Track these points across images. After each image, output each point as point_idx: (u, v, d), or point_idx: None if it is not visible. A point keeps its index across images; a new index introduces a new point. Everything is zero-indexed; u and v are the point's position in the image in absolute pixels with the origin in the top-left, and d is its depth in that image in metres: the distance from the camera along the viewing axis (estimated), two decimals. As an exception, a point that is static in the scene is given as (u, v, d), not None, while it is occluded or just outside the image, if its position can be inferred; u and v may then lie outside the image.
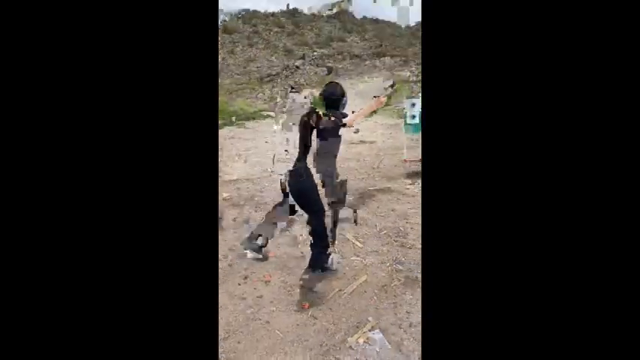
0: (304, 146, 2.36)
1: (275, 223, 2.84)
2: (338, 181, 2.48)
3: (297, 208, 2.54)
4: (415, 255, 2.69)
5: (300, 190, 2.37)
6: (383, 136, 6.51)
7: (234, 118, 7.71)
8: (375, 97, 2.28)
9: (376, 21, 23.48)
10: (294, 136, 2.42)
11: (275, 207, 2.75)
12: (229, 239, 2.91)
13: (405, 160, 4.68)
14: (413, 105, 4.57)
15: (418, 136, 4.36)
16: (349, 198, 3.71)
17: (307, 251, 2.62)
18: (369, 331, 1.96)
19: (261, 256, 2.62)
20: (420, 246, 2.81)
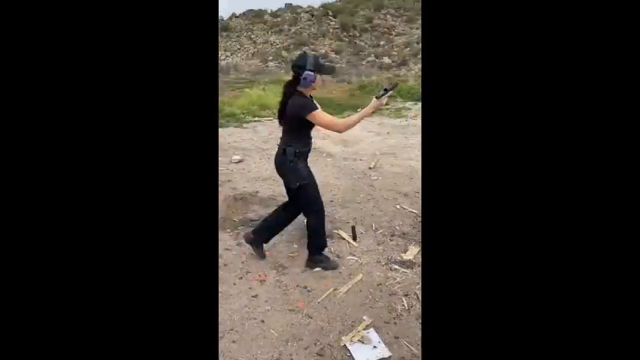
0: (290, 129, 2.33)
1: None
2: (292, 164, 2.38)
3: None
4: (411, 254, 2.70)
5: (279, 170, 2.40)
6: (380, 135, 6.52)
7: (231, 118, 7.70)
8: (375, 97, 2.25)
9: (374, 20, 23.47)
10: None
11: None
12: (225, 239, 2.91)
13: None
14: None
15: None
16: (345, 197, 3.71)
17: (303, 250, 2.63)
18: (364, 330, 1.97)
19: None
20: (417, 245, 2.82)
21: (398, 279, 2.42)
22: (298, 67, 2.21)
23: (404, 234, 3.01)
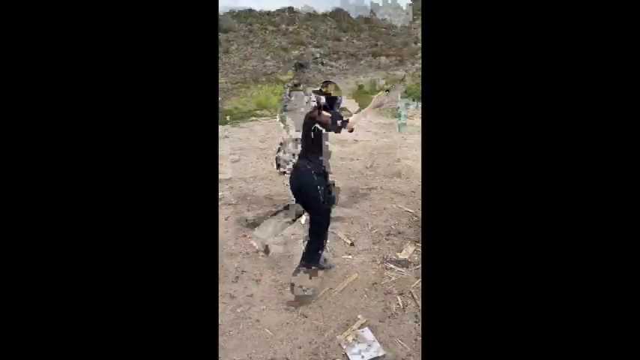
0: (306, 142, 2.34)
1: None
2: (330, 181, 2.47)
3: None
4: (406, 253, 2.71)
5: (300, 187, 2.34)
6: (377, 135, 6.53)
7: (228, 117, 7.68)
8: (376, 97, 2.27)
9: (371, 20, 23.49)
10: (293, 134, 2.42)
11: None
12: (222, 238, 2.91)
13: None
14: (407, 105, 4.58)
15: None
16: (342, 197, 3.71)
17: (298, 250, 2.63)
18: (359, 328, 1.97)
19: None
20: (412, 244, 2.82)
21: (393, 278, 2.43)
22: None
23: (399, 233, 3.02)
